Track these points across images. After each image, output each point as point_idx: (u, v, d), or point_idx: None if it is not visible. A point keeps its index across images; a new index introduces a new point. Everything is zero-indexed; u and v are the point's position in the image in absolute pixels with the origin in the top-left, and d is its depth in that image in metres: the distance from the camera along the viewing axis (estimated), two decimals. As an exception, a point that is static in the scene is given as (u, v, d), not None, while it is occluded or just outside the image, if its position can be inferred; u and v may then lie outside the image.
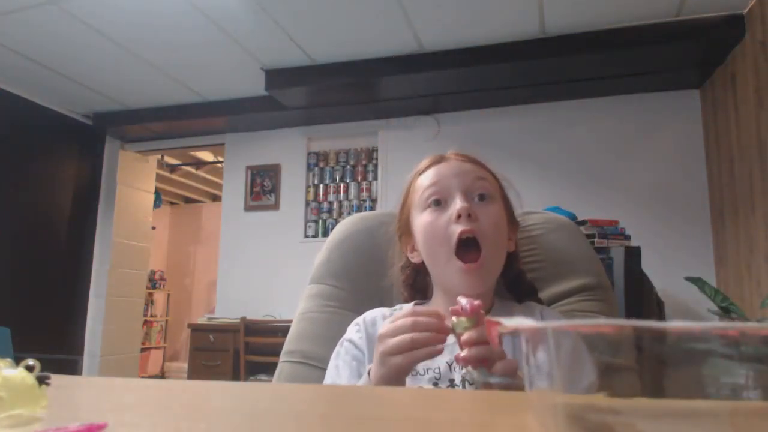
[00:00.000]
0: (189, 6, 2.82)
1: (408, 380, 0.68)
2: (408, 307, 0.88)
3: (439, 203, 0.81)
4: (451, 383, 0.76)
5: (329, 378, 0.83)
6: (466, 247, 0.78)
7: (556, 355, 0.28)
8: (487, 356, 0.57)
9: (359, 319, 0.88)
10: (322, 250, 1.10)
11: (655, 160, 3.45)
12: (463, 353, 0.57)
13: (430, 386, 0.76)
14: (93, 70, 3.59)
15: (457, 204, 0.78)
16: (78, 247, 4.31)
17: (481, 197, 0.81)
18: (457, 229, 0.77)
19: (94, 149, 4.47)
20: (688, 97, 3.45)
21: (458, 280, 0.77)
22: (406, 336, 0.61)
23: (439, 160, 0.87)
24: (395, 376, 0.63)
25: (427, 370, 0.77)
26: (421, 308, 0.74)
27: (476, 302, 0.59)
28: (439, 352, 0.61)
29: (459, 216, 0.77)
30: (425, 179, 0.85)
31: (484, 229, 0.78)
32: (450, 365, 0.77)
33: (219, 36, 3.13)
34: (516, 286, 0.89)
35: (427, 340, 0.60)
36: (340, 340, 0.86)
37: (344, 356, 0.83)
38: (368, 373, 0.68)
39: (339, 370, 0.82)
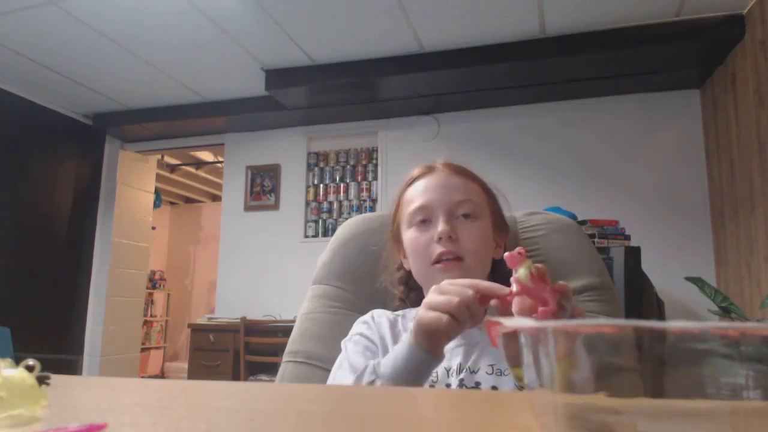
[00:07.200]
0: (189, 6, 2.82)
1: None
2: (412, 314, 0.88)
3: (424, 222, 0.85)
4: (447, 387, 0.76)
5: (339, 365, 0.82)
6: (447, 261, 0.82)
7: (556, 355, 0.28)
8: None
9: (367, 317, 0.88)
10: (325, 250, 1.10)
11: (655, 160, 3.45)
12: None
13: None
14: (93, 70, 3.59)
15: (439, 226, 0.82)
16: (78, 247, 4.31)
17: (465, 215, 0.84)
18: (437, 249, 0.82)
19: (94, 149, 4.48)
20: (688, 97, 3.45)
21: (439, 279, 0.76)
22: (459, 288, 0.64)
23: (428, 171, 0.90)
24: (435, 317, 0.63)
25: None
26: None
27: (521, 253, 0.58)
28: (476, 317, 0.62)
29: (440, 238, 0.81)
30: (414, 193, 0.89)
31: (465, 247, 0.82)
32: (447, 370, 0.77)
33: (219, 36, 3.13)
34: None
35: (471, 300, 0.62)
36: (348, 336, 0.86)
37: (355, 347, 0.82)
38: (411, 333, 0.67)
39: (348, 352, 0.82)
